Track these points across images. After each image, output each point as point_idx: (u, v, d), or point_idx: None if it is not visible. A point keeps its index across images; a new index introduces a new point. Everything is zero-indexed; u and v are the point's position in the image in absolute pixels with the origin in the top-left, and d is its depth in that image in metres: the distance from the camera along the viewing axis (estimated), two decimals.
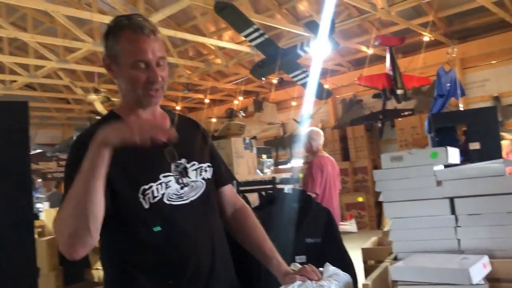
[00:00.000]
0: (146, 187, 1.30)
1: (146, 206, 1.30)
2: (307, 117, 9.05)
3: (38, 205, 7.23)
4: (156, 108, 1.46)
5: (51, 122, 14.52)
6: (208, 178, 1.46)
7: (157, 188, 1.32)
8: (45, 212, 5.54)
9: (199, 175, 1.43)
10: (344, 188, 9.64)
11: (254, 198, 3.36)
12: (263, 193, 3.20)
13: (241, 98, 11.38)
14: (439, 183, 1.42)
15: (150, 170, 1.34)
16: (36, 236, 4.67)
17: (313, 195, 4.24)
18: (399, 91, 7.29)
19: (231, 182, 1.63)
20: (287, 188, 2.39)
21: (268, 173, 7.27)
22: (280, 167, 10.83)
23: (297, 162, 10.18)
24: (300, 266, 1.37)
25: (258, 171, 6.39)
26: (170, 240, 1.32)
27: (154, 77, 1.32)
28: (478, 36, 8.76)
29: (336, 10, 6.80)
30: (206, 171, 1.46)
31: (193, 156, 1.44)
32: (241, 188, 3.23)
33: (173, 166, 1.38)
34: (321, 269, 1.35)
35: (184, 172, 1.39)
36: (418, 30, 8.27)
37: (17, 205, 2.58)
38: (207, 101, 12.29)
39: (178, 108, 12.86)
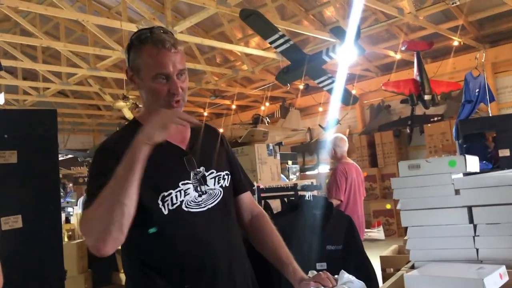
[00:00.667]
0: (166, 194, 1.35)
1: (165, 212, 1.34)
2: (333, 123, 8.98)
3: (69, 209, 7.42)
4: None
5: (82, 128, 14.87)
6: (226, 186, 1.49)
7: (176, 195, 1.36)
8: (76, 216, 5.69)
9: (217, 183, 1.46)
10: (372, 194, 9.53)
11: (276, 204, 3.38)
12: (285, 199, 3.20)
13: (267, 104, 11.39)
14: (457, 191, 1.40)
15: (170, 178, 1.38)
16: (66, 239, 4.81)
17: (338, 202, 4.23)
18: (426, 97, 7.13)
19: (249, 189, 1.66)
20: (308, 195, 2.39)
21: (294, 179, 7.27)
22: (307, 173, 10.81)
23: (324, 168, 10.15)
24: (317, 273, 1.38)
25: (284, 177, 6.40)
26: (187, 246, 1.36)
27: (175, 89, 1.36)
28: (510, 40, 8.54)
29: (363, 15, 6.75)
30: (224, 179, 1.49)
31: (212, 164, 1.47)
32: (263, 195, 3.24)
33: (192, 174, 1.41)
34: (336, 276, 1.35)
35: (202, 180, 1.42)
36: (447, 34, 8.11)
37: (45, 209, 2.67)
38: (233, 107, 12.37)
39: (205, 114, 12.99)
